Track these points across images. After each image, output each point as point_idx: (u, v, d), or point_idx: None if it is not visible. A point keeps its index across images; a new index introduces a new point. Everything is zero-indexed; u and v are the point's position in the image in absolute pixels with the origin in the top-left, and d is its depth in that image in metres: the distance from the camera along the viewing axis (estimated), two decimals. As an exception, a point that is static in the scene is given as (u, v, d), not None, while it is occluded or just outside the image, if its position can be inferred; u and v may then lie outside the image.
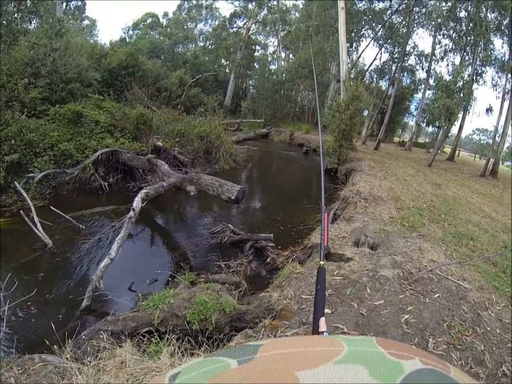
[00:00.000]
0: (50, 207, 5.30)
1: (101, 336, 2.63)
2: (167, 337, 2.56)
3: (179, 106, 14.66)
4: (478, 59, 14.40)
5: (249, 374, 0.26)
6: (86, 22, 30.24)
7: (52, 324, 2.78)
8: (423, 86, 19.71)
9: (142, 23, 30.88)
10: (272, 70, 25.03)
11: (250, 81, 28.91)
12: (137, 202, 4.02)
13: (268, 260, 4.41)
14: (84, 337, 2.70)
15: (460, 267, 3.61)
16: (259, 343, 0.31)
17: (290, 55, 29.58)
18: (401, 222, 5.02)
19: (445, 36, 16.57)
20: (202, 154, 9.31)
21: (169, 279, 3.89)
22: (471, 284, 3.30)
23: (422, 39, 61.16)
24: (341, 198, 6.36)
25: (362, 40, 20.52)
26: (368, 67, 20.74)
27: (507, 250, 4.58)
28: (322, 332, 0.85)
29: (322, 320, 0.87)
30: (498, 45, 27.26)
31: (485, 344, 2.56)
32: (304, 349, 0.29)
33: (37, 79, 8.03)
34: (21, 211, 4.89)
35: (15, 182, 5.67)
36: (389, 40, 18.46)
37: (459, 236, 4.79)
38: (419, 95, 21.39)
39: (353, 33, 19.41)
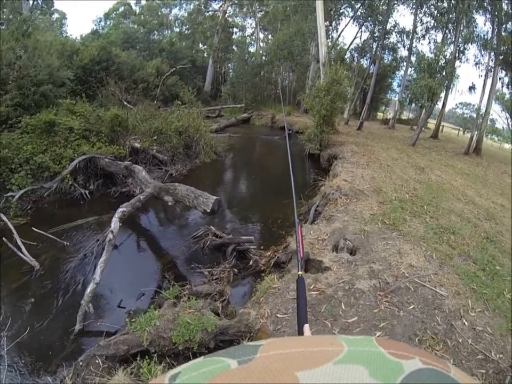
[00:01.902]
0: (33, 228, 5.20)
1: (97, 361, 2.81)
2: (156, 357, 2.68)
3: (155, 102, 14.29)
4: (461, 37, 14.35)
5: (249, 374, 0.27)
6: (56, 15, 28.90)
7: (50, 350, 2.93)
8: (405, 63, 19.61)
9: (114, 12, 29.68)
10: (251, 53, 24.51)
11: (229, 65, 28.34)
12: (115, 223, 4.00)
13: (251, 262, 4.47)
14: (81, 363, 2.84)
15: (438, 270, 3.65)
16: (259, 343, 0.31)
17: (269, 36, 28.96)
18: (382, 219, 4.95)
19: (426, 13, 16.39)
20: (182, 150, 9.19)
21: (156, 292, 3.92)
22: (448, 290, 3.31)
23: (403, 17, 60.43)
24: (321, 193, 6.31)
25: (341, 19, 20.25)
26: (349, 46, 20.58)
27: (487, 243, 4.63)
28: None
29: (306, 327, 0.90)
30: (481, 22, 27.09)
31: (454, 358, 2.56)
32: (304, 349, 0.29)
33: (6, 86, 7.74)
34: (4, 238, 4.81)
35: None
36: (369, 18, 18.19)
37: (440, 231, 4.77)
38: (401, 72, 21.32)
39: (332, 12, 19.04)
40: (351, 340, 0.31)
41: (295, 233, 1.36)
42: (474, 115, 17.64)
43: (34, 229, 5.15)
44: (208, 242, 4.81)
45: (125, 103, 9.26)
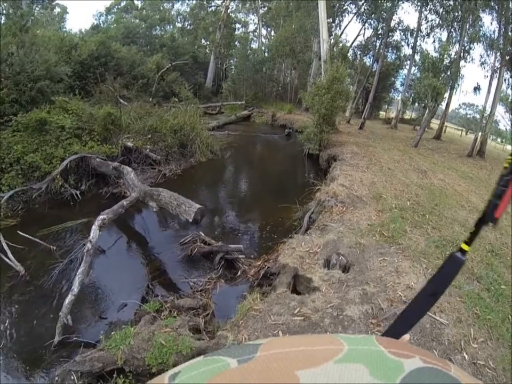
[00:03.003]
0: (18, 232, 5.07)
1: (72, 377, 2.77)
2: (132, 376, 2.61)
3: (151, 99, 14.09)
4: (466, 36, 14.04)
5: (249, 373, 0.26)
6: (57, 10, 28.68)
7: (27, 362, 2.91)
8: (408, 62, 19.30)
9: (116, 7, 29.40)
10: (253, 49, 24.25)
11: (231, 61, 28.05)
12: (94, 232, 3.82)
13: (239, 273, 4.29)
14: (56, 378, 2.81)
15: None
16: (259, 342, 0.31)
17: (272, 32, 28.64)
18: (380, 230, 4.66)
19: (432, 11, 16.05)
20: (176, 149, 8.98)
21: (138, 304, 3.77)
22: (448, 317, 3.05)
23: (407, 14, 59.55)
24: (316, 199, 6.03)
25: (344, 16, 19.92)
26: (351, 44, 20.19)
27: (492, 258, 4.38)
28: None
29: (405, 337, 0.63)
30: (488, 21, 26.67)
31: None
32: (304, 348, 0.29)
33: (0, 83, 7.60)
34: None
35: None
36: (372, 15, 17.87)
37: (442, 244, 4.50)
38: (405, 71, 21.00)
39: (335, 8, 18.71)
40: (351, 339, 0.31)
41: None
42: (478, 116, 17.35)
43: (20, 233, 5.03)
44: (196, 249, 4.61)
45: (120, 100, 9.05)
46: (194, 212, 4.33)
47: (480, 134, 13.84)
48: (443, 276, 0.66)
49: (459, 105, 41.55)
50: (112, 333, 3.03)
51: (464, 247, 0.63)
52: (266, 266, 4.23)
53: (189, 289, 4.04)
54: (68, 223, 5.81)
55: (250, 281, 4.20)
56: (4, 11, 9.60)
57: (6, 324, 3.49)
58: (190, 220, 4.35)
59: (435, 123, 19.89)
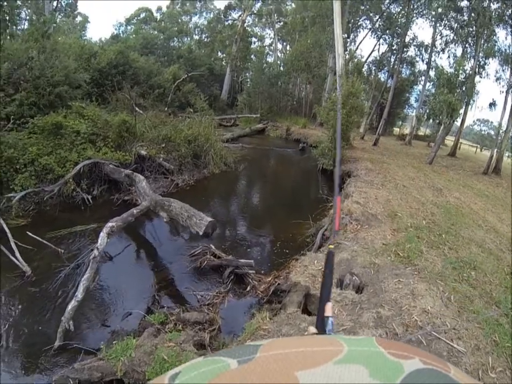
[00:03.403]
0: (28, 232, 5.06)
1: None
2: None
3: (166, 109, 14.23)
4: (481, 51, 13.89)
5: (249, 374, 0.26)
6: (79, 18, 29.64)
7: (26, 365, 2.87)
8: (423, 77, 19.20)
9: (136, 18, 30.23)
10: (269, 63, 24.48)
11: (247, 74, 28.40)
12: (101, 239, 3.75)
13: (248, 288, 4.13)
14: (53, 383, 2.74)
15: (457, 317, 3.19)
16: (259, 343, 0.30)
17: (287, 47, 28.97)
18: (395, 250, 4.47)
19: (446, 26, 16.01)
20: (190, 159, 8.95)
21: (143, 314, 3.66)
22: (466, 344, 2.85)
23: (422, 30, 59.66)
24: (330, 216, 5.83)
25: (359, 31, 20.06)
26: (366, 59, 20.22)
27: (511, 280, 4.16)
28: (328, 317, 0.82)
29: (328, 305, 0.85)
30: (502, 36, 26.50)
31: None
32: (304, 349, 0.29)
33: (20, 86, 7.78)
34: None
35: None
36: (387, 31, 17.95)
37: (460, 266, 4.30)
38: (419, 87, 20.88)
39: (350, 24, 18.87)
40: (351, 340, 0.31)
41: (334, 205, 1.44)
42: (493, 132, 17.02)
43: (29, 233, 5.02)
44: (206, 262, 4.48)
45: (136, 108, 9.14)
46: (205, 225, 4.21)
47: (495, 150, 13.56)
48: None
49: (473, 121, 41.12)
50: (114, 342, 2.94)
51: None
52: (277, 283, 4.07)
53: (196, 302, 3.90)
54: (78, 227, 5.77)
55: (259, 297, 4.05)
56: (28, 17, 9.89)
57: (7, 324, 3.44)
58: (201, 233, 4.22)
59: (449, 140, 19.63)
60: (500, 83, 14.85)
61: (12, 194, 5.90)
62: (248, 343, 0.31)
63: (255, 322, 2.89)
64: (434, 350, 2.74)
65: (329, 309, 0.83)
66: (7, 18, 6.95)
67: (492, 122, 26.43)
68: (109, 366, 2.70)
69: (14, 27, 9.92)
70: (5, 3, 6.59)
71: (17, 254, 4.47)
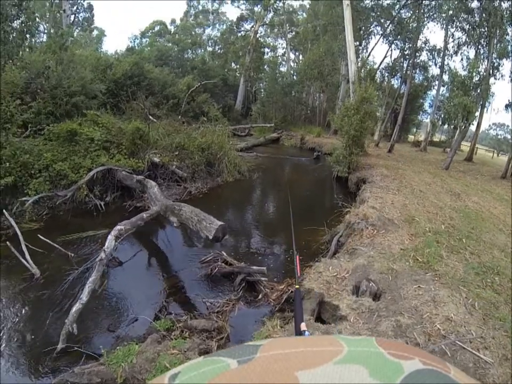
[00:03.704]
0: (38, 235, 5.11)
1: None
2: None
3: (180, 117, 14.36)
4: (495, 52, 13.58)
5: (249, 374, 0.26)
6: (96, 32, 30.63)
7: (28, 366, 2.89)
8: (436, 82, 18.87)
9: (150, 31, 31.02)
10: (282, 72, 24.59)
11: (260, 85, 28.61)
12: (109, 242, 3.69)
13: (260, 296, 3.98)
14: None
15: (482, 324, 2.96)
16: (259, 343, 0.30)
17: (300, 56, 29.12)
18: (414, 255, 4.29)
19: (458, 28, 15.76)
20: (203, 167, 8.93)
21: (149, 320, 3.57)
22: (493, 354, 2.63)
23: (433, 33, 59.08)
24: (345, 222, 5.67)
25: (371, 38, 19.96)
26: (379, 65, 20.03)
27: None
28: (304, 331, 0.88)
29: (302, 324, 0.98)
30: None
31: None
32: (304, 349, 0.29)
33: (38, 95, 8.01)
34: (7, 242, 4.77)
35: (4, 210, 5.54)
36: (398, 36, 17.83)
37: (483, 272, 4.07)
38: (433, 92, 20.52)
39: (361, 31, 18.81)
40: (351, 340, 0.31)
41: (294, 262, 1.66)
42: (509, 136, 16.48)
43: (40, 236, 5.08)
44: (217, 269, 4.36)
45: (150, 116, 9.22)
46: (215, 228, 4.10)
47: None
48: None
49: (489, 125, 40.10)
50: (118, 347, 2.87)
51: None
52: (290, 291, 3.91)
53: (205, 309, 3.78)
54: (89, 232, 5.80)
55: (271, 306, 3.90)
56: (46, 30, 10.26)
57: (12, 325, 3.46)
58: (210, 237, 4.11)
59: (465, 145, 19.16)
60: (515, 84, 14.46)
61: (26, 198, 5.98)
62: (248, 343, 0.30)
63: (265, 330, 2.75)
64: (460, 361, 2.52)
65: (303, 326, 0.95)
66: (25, 30, 7.17)
67: (508, 126, 25.67)
68: (109, 371, 2.64)
69: (33, 39, 10.29)
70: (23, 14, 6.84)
71: (28, 257, 4.52)
